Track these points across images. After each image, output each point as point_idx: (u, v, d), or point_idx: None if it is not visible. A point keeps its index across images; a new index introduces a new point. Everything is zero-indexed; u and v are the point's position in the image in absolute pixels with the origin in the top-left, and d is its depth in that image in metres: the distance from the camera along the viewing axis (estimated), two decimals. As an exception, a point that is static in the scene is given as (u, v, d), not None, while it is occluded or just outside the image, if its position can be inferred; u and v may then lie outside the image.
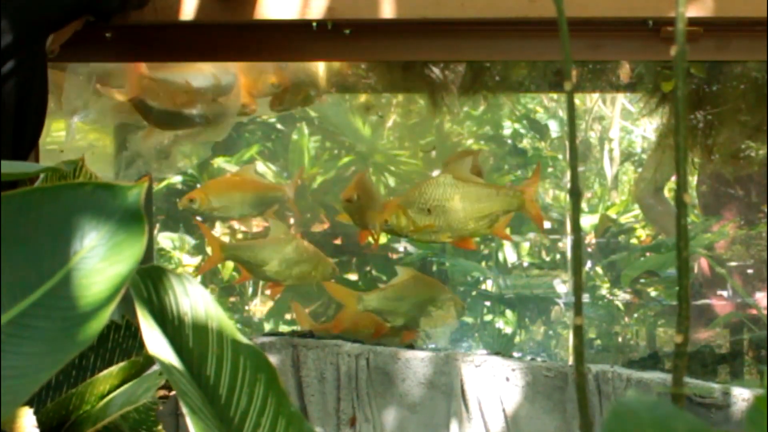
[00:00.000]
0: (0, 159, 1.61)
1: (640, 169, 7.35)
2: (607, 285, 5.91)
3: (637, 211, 6.42)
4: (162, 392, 1.63)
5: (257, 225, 5.38)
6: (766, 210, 5.24)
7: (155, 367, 1.66)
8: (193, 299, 0.89)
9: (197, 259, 5.96)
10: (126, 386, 1.67)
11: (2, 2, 1.60)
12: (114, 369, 1.66)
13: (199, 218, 3.61)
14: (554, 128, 6.94)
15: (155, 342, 0.84)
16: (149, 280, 0.86)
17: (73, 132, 2.83)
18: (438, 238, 2.59)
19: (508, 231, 3.07)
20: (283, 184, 3.27)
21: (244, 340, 0.91)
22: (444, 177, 2.56)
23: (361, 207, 2.73)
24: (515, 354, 3.37)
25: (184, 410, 0.83)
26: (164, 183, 5.91)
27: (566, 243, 6.48)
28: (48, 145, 2.98)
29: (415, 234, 2.57)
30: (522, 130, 6.96)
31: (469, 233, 2.56)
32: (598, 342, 5.71)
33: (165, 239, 5.93)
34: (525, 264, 6.42)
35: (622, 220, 6.57)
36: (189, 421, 0.82)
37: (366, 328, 3.01)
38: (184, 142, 3.13)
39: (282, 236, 3.01)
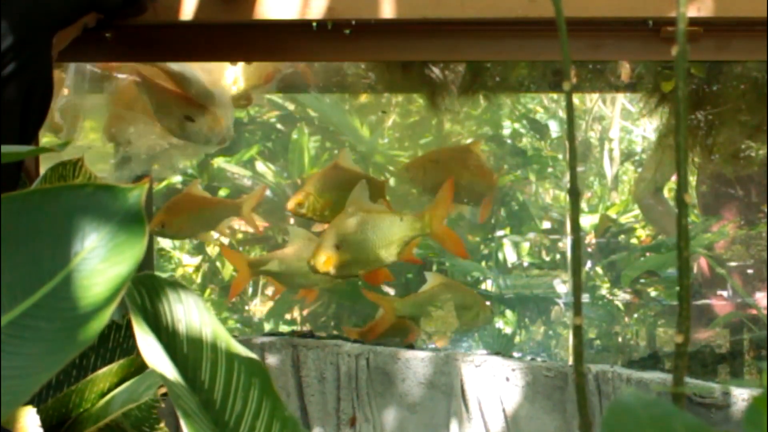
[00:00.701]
0: (8, 140, 1.62)
1: (640, 169, 7.36)
2: (607, 285, 5.91)
3: (637, 211, 6.42)
4: (163, 389, 1.64)
5: (260, 225, 5.38)
6: (766, 210, 5.24)
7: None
8: (187, 306, 0.89)
9: (197, 259, 5.97)
10: (127, 384, 1.68)
11: (7, 1, 1.61)
12: (114, 366, 1.67)
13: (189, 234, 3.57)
14: (554, 128, 6.94)
15: (150, 348, 0.85)
16: (143, 288, 0.87)
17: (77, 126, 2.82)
18: (353, 271, 2.62)
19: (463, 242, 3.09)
20: (239, 200, 3.23)
21: (238, 345, 0.92)
22: (348, 211, 2.59)
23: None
24: (515, 354, 3.37)
25: (179, 414, 0.83)
26: (164, 183, 5.91)
27: (566, 243, 6.48)
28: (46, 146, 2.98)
29: (332, 270, 2.60)
30: (522, 130, 6.96)
31: (379, 262, 2.59)
32: (598, 342, 5.71)
33: (165, 239, 5.94)
34: (525, 264, 6.42)
35: (622, 220, 6.57)
36: (183, 425, 0.83)
37: (400, 332, 3.04)
38: (175, 152, 3.11)
39: (306, 241, 2.98)
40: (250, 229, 5.35)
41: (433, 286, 2.97)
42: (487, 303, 3.10)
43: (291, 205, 2.84)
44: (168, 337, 0.88)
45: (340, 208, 2.66)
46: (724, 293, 5.26)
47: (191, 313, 0.89)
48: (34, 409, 1.51)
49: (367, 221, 2.54)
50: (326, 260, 2.55)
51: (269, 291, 6.18)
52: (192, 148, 3.06)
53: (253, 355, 0.92)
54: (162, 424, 1.68)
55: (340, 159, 2.92)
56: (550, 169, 6.90)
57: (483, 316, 2.99)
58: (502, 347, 4.86)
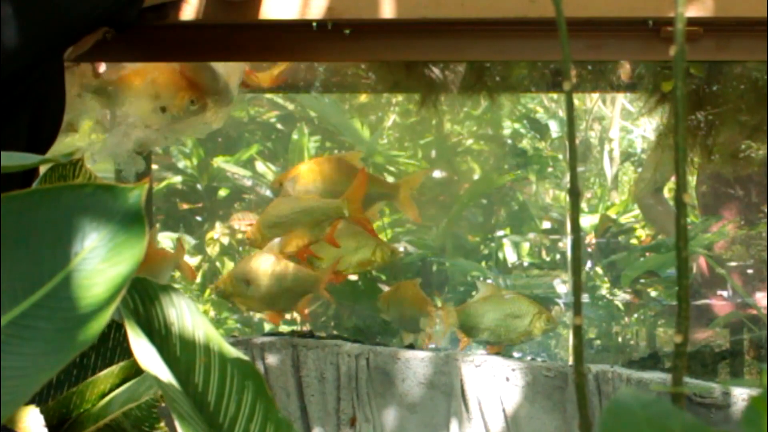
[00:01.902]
0: (11, 172, 1.61)
1: (640, 169, 7.36)
2: (607, 285, 5.91)
3: (637, 211, 6.42)
4: (163, 390, 1.64)
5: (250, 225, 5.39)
6: (766, 210, 5.24)
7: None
8: (179, 309, 0.90)
9: (197, 259, 5.97)
10: (127, 384, 1.68)
11: (22, 17, 1.59)
12: (115, 368, 1.67)
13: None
14: (554, 128, 6.94)
15: (143, 352, 0.85)
16: (135, 292, 0.87)
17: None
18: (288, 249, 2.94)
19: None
20: (173, 252, 3.27)
21: (230, 348, 0.92)
22: (277, 198, 2.98)
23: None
24: (515, 354, 3.37)
25: (174, 416, 0.84)
26: (164, 183, 5.92)
27: (566, 243, 6.48)
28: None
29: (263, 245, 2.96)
30: (522, 130, 6.96)
31: (303, 241, 2.86)
32: (598, 342, 5.71)
33: (165, 239, 5.94)
34: (525, 264, 6.42)
35: (622, 220, 6.58)
36: (178, 427, 0.83)
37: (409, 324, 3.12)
38: (172, 130, 3.08)
39: (344, 225, 3.04)
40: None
41: (485, 296, 3.03)
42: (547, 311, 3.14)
43: (247, 239, 3.08)
44: (161, 340, 0.88)
45: (298, 233, 2.85)
46: (724, 293, 5.26)
47: (184, 317, 0.89)
48: (38, 409, 1.51)
49: (291, 203, 2.89)
50: (265, 237, 2.92)
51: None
52: (188, 126, 3.03)
53: (246, 358, 0.93)
54: (162, 424, 1.68)
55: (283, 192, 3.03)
56: (550, 169, 6.90)
57: (540, 324, 3.02)
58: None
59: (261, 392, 0.91)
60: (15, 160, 0.68)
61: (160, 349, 0.88)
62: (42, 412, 1.55)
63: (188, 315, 0.90)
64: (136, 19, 1.90)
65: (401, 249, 5.84)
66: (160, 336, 0.88)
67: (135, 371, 1.68)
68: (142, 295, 0.88)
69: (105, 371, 1.66)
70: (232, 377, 0.90)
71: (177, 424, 0.83)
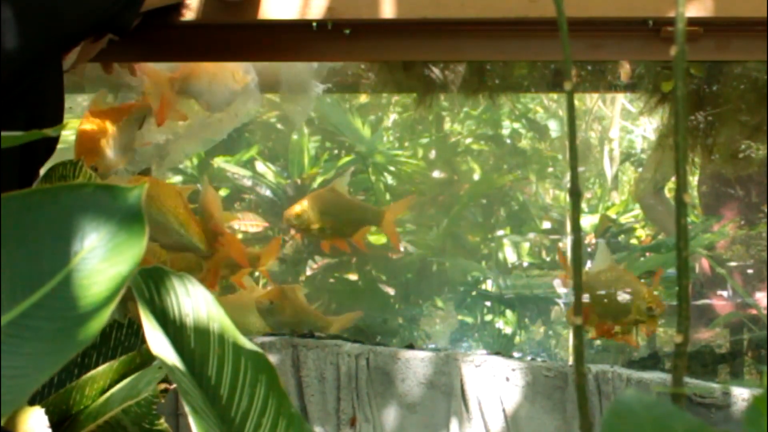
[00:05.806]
0: (7, 177, 1.60)
1: (640, 169, 7.35)
2: (607, 285, 5.90)
3: (637, 211, 6.42)
4: (163, 385, 1.64)
5: (255, 225, 5.39)
6: (766, 210, 5.24)
7: (156, 362, 1.67)
8: (195, 300, 0.89)
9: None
10: (127, 380, 1.68)
11: (18, 20, 1.58)
12: (114, 363, 1.67)
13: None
14: (554, 128, 6.94)
15: (158, 342, 0.85)
16: (151, 281, 0.86)
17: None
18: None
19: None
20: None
21: (245, 341, 0.91)
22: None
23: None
24: (515, 354, 3.38)
25: (187, 410, 0.83)
26: (164, 183, 5.89)
27: (566, 243, 6.48)
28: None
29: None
30: (521, 130, 6.96)
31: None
32: (598, 342, 5.71)
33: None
34: (525, 264, 6.42)
35: (622, 220, 6.57)
36: (191, 421, 0.83)
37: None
38: (183, 141, 3.09)
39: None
40: (251, 229, 5.35)
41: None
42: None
43: (289, 215, 3.12)
44: (175, 331, 0.87)
45: (330, 231, 3.01)
46: (724, 293, 5.26)
47: (199, 307, 0.89)
48: (42, 410, 1.51)
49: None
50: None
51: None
52: (204, 131, 3.05)
53: (260, 351, 0.92)
54: (161, 420, 1.68)
55: (335, 184, 3.15)
56: (550, 169, 6.90)
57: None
58: (502, 347, 4.85)
59: (274, 386, 0.90)
60: (9, 135, 0.68)
61: (174, 341, 0.87)
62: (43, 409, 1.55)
63: (203, 306, 0.89)
64: (132, 24, 1.90)
65: (401, 248, 5.85)
66: (175, 327, 0.88)
67: (134, 366, 1.68)
68: (157, 284, 0.87)
69: (104, 366, 1.66)
70: (246, 370, 0.90)
71: (190, 417, 0.83)
